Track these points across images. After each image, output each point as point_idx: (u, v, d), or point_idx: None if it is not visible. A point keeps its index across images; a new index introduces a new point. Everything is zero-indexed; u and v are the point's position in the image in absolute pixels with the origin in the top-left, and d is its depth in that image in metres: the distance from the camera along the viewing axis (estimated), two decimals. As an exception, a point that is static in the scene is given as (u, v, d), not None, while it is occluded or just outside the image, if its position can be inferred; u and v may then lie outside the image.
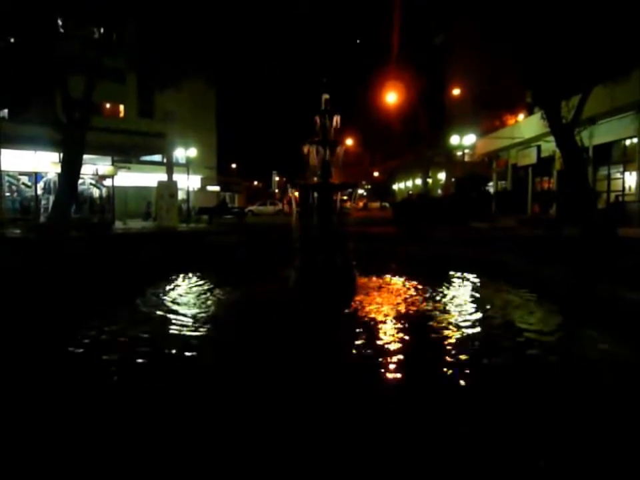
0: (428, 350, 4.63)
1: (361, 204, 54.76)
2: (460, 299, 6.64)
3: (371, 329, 5.19)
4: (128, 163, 29.17)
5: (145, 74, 18.15)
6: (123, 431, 2.95)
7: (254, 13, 15.05)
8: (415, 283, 7.69)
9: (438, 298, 6.69)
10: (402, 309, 6.06)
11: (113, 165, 27.56)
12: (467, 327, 5.13)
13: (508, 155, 31.31)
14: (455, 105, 38.50)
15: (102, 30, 14.61)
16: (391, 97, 36.55)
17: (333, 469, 2.57)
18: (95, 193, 25.45)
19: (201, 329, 5.19)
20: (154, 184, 25.76)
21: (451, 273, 8.42)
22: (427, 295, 6.84)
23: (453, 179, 37.90)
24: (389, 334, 4.93)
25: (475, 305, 6.20)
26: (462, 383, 3.77)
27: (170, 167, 27.63)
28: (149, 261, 9.88)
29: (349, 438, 2.86)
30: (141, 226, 23.46)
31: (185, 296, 6.86)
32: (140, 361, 4.24)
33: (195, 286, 7.62)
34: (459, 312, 5.89)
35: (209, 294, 6.96)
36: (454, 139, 31.41)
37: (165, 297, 6.65)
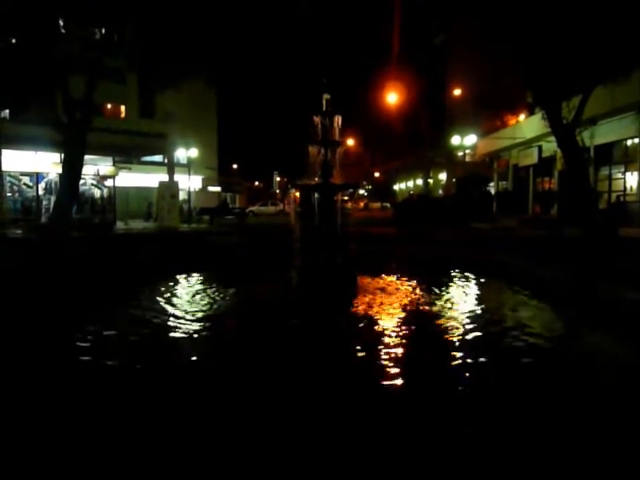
0: (427, 350, 4.62)
1: (361, 204, 54.74)
2: (460, 300, 6.64)
3: (372, 329, 5.19)
4: (129, 163, 29.16)
5: (146, 74, 18.15)
6: (122, 430, 2.95)
7: (254, 13, 15.05)
8: (415, 283, 7.68)
9: (438, 298, 6.68)
10: (402, 309, 6.06)
11: (114, 165, 27.56)
12: (466, 328, 5.12)
13: (509, 155, 31.28)
14: (456, 105, 38.46)
15: (103, 30, 14.63)
16: (392, 97, 36.52)
17: (331, 467, 2.57)
18: (96, 193, 25.48)
19: (203, 329, 5.19)
20: (155, 184, 25.76)
21: (452, 273, 8.41)
22: (427, 296, 6.84)
23: (453, 180, 37.86)
24: (390, 334, 4.92)
25: (475, 306, 6.20)
26: (462, 383, 3.77)
27: (171, 167, 27.63)
28: (151, 261, 9.87)
29: (347, 437, 2.86)
30: (142, 226, 23.47)
31: (187, 296, 6.86)
32: (139, 361, 4.24)
33: (197, 286, 7.62)
34: (459, 312, 5.88)
35: (210, 294, 6.96)
36: (455, 139, 31.39)
37: (165, 297, 6.65)
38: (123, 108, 32.66)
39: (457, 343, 4.62)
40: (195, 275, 8.44)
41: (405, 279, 8.07)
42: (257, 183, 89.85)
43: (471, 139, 31.46)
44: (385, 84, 38.13)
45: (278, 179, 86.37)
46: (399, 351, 4.45)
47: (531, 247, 11.46)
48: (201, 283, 7.82)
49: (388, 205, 50.88)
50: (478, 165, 36.61)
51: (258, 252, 11.58)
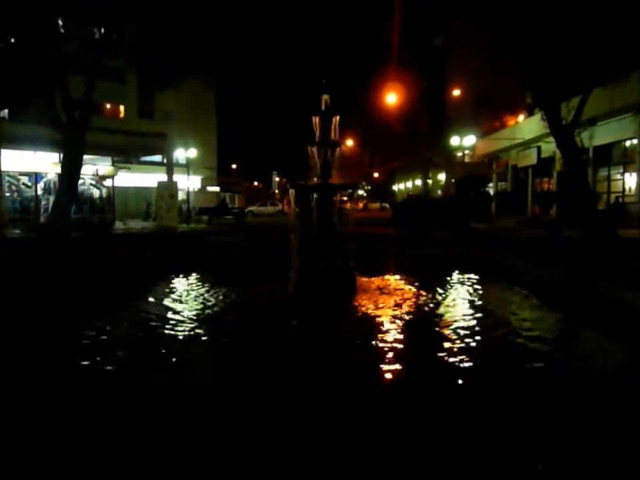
0: (426, 350, 4.62)
1: (360, 205, 54.71)
2: (458, 300, 6.63)
3: (371, 329, 5.19)
4: (128, 163, 29.13)
5: (145, 74, 18.15)
6: (121, 430, 2.95)
7: (254, 13, 15.05)
8: (413, 283, 7.68)
9: (436, 298, 6.68)
10: (401, 309, 6.05)
11: (113, 165, 27.53)
12: (465, 328, 5.11)
13: (508, 156, 31.30)
14: (455, 105, 38.50)
15: (102, 30, 14.61)
16: (391, 98, 36.50)
17: (330, 466, 2.57)
18: (95, 193, 25.43)
19: (201, 329, 5.18)
20: (154, 184, 25.76)
21: (450, 273, 8.41)
22: (425, 296, 6.83)
23: (452, 180, 37.86)
24: (388, 334, 4.91)
25: (473, 306, 6.19)
26: (460, 382, 3.77)
27: (170, 167, 27.61)
28: (149, 261, 9.87)
29: (346, 436, 2.86)
30: (141, 226, 23.46)
31: (185, 296, 6.84)
32: (139, 361, 4.24)
33: (195, 286, 7.61)
34: (457, 313, 5.88)
35: (208, 294, 6.95)
36: (454, 140, 31.39)
37: (163, 298, 6.63)
38: (122, 108, 32.66)
39: (456, 343, 4.60)
40: (193, 275, 8.43)
41: (404, 279, 8.07)
42: (255, 183, 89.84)
43: (470, 140, 31.46)
44: (385, 84, 38.12)
45: (277, 179, 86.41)
46: (398, 350, 4.44)
47: (530, 247, 11.47)
48: (200, 284, 7.80)
49: (387, 205, 50.89)
50: (477, 166, 36.64)
51: (256, 252, 11.59)
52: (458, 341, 4.66)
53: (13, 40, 14.17)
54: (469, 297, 6.79)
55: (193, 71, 15.33)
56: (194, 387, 3.67)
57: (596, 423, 3.05)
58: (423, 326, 5.44)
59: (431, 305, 6.30)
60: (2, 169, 22.81)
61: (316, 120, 7.30)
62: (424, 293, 6.98)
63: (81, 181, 18.84)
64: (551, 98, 12.52)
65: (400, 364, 4.18)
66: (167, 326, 5.24)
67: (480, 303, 6.37)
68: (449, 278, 8.11)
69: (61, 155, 16.76)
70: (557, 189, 24.53)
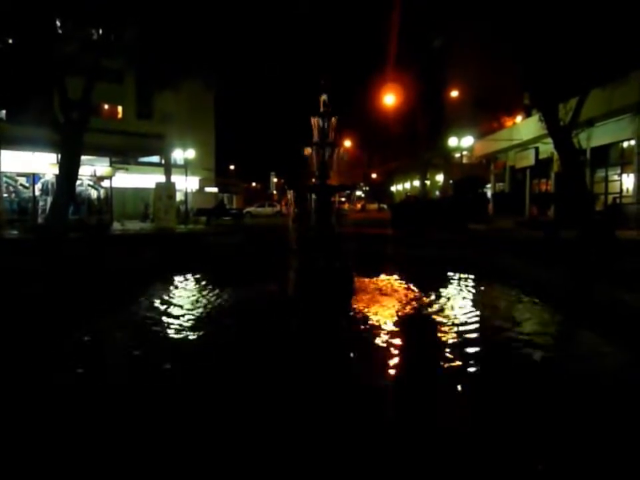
0: (424, 350, 4.63)
1: (359, 205, 54.71)
2: (456, 301, 6.63)
3: (369, 329, 5.19)
4: (126, 164, 29.12)
5: (144, 75, 18.15)
6: (121, 429, 2.95)
7: (253, 14, 15.05)
8: (411, 284, 7.68)
9: (434, 299, 6.68)
10: (399, 310, 6.06)
11: (111, 166, 27.50)
12: (462, 329, 5.12)
13: (506, 157, 31.36)
14: (453, 106, 38.55)
15: (100, 31, 14.61)
16: (389, 99, 36.56)
17: (327, 465, 2.57)
18: (93, 194, 25.41)
19: (201, 330, 5.18)
20: (152, 185, 25.74)
21: (448, 274, 8.42)
22: (423, 296, 6.84)
23: (450, 181, 37.91)
24: (387, 334, 4.91)
25: (471, 307, 6.20)
26: (457, 382, 3.77)
27: (168, 168, 27.59)
28: (147, 262, 9.86)
29: (343, 435, 2.86)
30: (139, 227, 23.44)
31: (183, 297, 6.84)
32: (138, 360, 4.23)
33: (193, 287, 7.61)
34: (455, 314, 5.88)
35: (207, 295, 6.94)
36: (452, 141, 31.41)
37: (162, 299, 6.62)
38: (120, 108, 32.65)
39: (454, 344, 4.61)
40: (191, 276, 8.42)
41: (402, 279, 8.08)
42: (254, 184, 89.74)
43: (468, 141, 31.49)
44: (383, 85, 38.16)
45: (275, 180, 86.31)
46: (397, 351, 4.44)
47: (528, 248, 11.48)
48: (198, 285, 7.80)
49: (385, 206, 50.91)
50: (475, 167, 36.69)
51: (255, 253, 11.58)
52: (455, 342, 4.67)
53: (11, 41, 14.15)
54: (467, 298, 6.80)
55: (192, 72, 15.33)
56: (193, 386, 3.66)
57: (594, 423, 3.05)
58: (421, 326, 5.45)
59: (429, 306, 6.30)
60: (0, 170, 22.81)
61: (314, 121, 7.30)
62: (422, 294, 6.99)
63: (78, 182, 18.80)
64: (549, 99, 12.55)
65: (398, 364, 4.18)
66: (165, 326, 5.24)
67: (477, 303, 6.38)
68: (446, 279, 8.11)
69: (59, 155, 16.75)
70: (554, 190, 24.59)
